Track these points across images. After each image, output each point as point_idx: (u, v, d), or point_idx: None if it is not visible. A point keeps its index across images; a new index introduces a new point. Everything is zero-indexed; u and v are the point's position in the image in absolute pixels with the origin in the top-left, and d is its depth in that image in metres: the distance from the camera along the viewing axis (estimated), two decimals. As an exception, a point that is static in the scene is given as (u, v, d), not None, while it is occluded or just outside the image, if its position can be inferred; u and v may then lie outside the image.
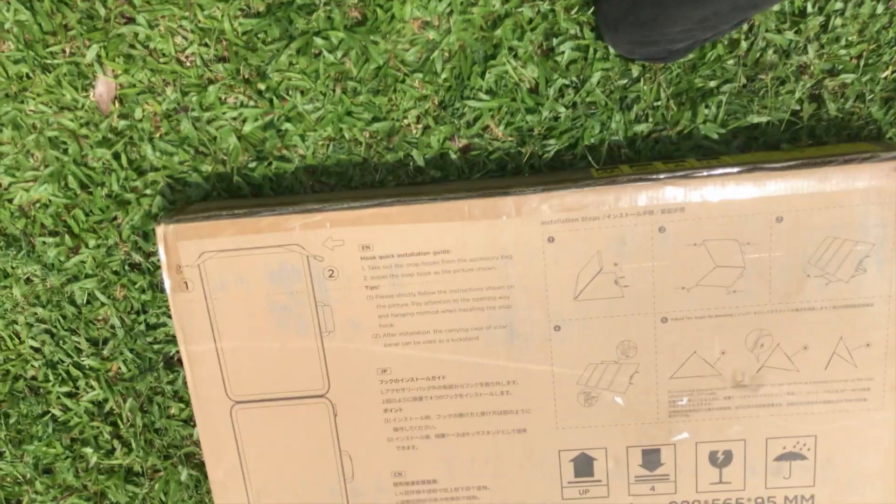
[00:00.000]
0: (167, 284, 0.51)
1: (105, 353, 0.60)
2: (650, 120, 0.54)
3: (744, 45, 0.53)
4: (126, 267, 0.58)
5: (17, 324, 0.59)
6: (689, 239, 0.48)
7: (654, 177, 0.47)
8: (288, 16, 0.52)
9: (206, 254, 0.50)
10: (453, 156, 0.55)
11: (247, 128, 0.55)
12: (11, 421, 0.61)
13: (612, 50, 0.52)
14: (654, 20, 0.45)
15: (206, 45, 0.53)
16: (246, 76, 0.54)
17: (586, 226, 0.48)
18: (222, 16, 0.53)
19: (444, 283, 0.50)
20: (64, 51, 0.54)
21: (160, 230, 0.50)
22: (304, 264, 0.50)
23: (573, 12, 0.52)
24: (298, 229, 0.49)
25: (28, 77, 0.55)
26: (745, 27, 0.52)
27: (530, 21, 0.52)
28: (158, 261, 0.55)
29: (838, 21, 0.51)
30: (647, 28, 0.46)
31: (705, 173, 0.47)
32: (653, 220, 0.48)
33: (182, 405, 0.60)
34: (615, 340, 0.50)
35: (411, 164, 0.55)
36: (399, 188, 0.55)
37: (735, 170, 0.47)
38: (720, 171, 0.47)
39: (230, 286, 0.51)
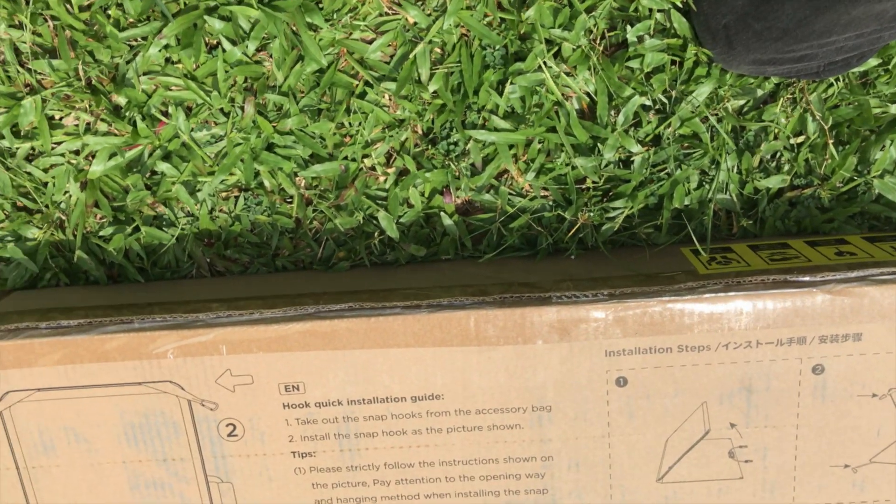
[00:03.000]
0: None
1: None
2: (786, 169, 0.46)
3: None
4: None
5: None
6: (863, 385, 0.40)
7: (802, 277, 0.40)
8: (157, -23, 0.40)
9: (14, 394, 0.42)
10: (447, 221, 0.47)
11: (96, 169, 0.46)
12: None
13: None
14: (803, 25, 0.37)
15: (20, 26, 0.44)
16: (92, 82, 0.45)
17: (685, 360, 0.40)
18: (41, -25, 0.41)
19: (433, 450, 0.42)
20: None
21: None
22: (183, 414, 0.42)
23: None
24: (173, 355, 0.41)
25: None
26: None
27: (586, -5, 0.42)
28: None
29: None
30: (790, 39, 0.38)
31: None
32: (804, 353, 0.40)
33: None
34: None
35: (377, 234, 0.47)
36: (355, 278, 0.47)
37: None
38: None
39: (59, 448, 0.43)
